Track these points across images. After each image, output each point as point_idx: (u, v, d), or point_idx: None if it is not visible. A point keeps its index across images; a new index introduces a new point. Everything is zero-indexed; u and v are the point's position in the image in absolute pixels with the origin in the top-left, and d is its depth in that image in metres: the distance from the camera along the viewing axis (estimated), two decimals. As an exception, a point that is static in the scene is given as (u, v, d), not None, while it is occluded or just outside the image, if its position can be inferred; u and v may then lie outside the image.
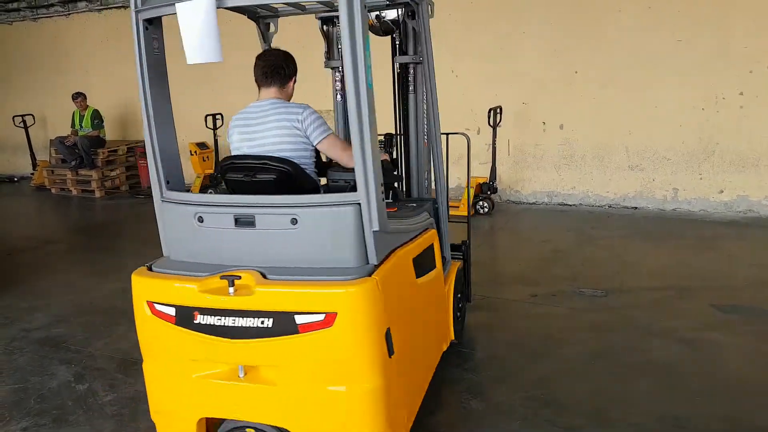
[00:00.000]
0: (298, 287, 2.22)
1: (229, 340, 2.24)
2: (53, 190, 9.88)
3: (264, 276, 2.26)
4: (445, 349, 3.36)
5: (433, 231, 3.16)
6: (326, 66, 3.69)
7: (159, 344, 2.40)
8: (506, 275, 5.10)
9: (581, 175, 7.30)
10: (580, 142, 7.22)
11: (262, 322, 2.20)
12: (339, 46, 3.51)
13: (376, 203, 2.23)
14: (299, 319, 2.17)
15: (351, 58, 2.12)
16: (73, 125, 9.74)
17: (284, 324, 2.19)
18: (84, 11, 10.43)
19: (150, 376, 2.49)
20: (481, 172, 7.33)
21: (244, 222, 2.35)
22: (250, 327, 2.22)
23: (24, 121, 10.53)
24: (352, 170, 2.33)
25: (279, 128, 2.63)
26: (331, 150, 2.75)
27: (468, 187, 4.28)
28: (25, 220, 8.62)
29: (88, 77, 10.61)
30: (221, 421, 2.47)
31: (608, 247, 5.70)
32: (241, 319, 2.22)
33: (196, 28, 2.20)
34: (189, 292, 2.27)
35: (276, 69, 2.73)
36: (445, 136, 3.62)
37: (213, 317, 2.25)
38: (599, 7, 6.81)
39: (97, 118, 9.57)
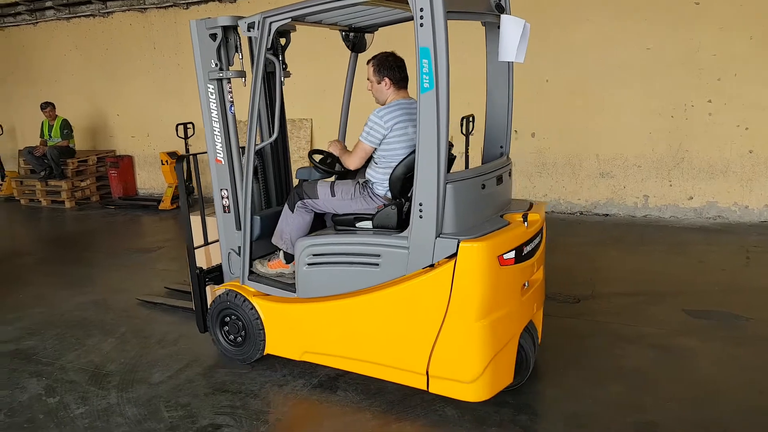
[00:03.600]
0: (538, 213, 3.29)
1: (531, 260, 3.14)
2: (22, 201, 9.69)
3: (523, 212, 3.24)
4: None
5: None
6: (212, 78, 3.47)
7: (504, 288, 2.98)
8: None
9: (553, 183, 7.39)
10: (552, 149, 7.31)
11: (538, 240, 3.27)
12: (240, 57, 3.49)
13: None
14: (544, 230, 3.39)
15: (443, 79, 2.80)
16: (42, 135, 9.57)
17: (540, 237, 3.31)
18: (52, 19, 10.26)
19: (493, 323, 2.91)
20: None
21: (500, 180, 3.26)
22: (535, 246, 3.21)
23: (-9, 131, 10.34)
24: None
25: None
26: None
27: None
28: (-7, 231, 8.43)
29: (56, 86, 10.44)
30: None
31: (580, 253, 5.77)
32: (534, 240, 3.18)
33: (514, 37, 3.01)
34: (519, 234, 3.03)
35: (406, 73, 3.39)
36: None
37: (528, 246, 3.10)
38: (569, 16, 6.93)
39: (66, 128, 9.42)
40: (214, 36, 3.45)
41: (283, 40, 3.84)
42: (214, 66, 3.49)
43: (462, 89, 7.44)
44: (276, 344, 3.53)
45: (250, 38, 3.51)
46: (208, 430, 3.01)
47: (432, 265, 2.90)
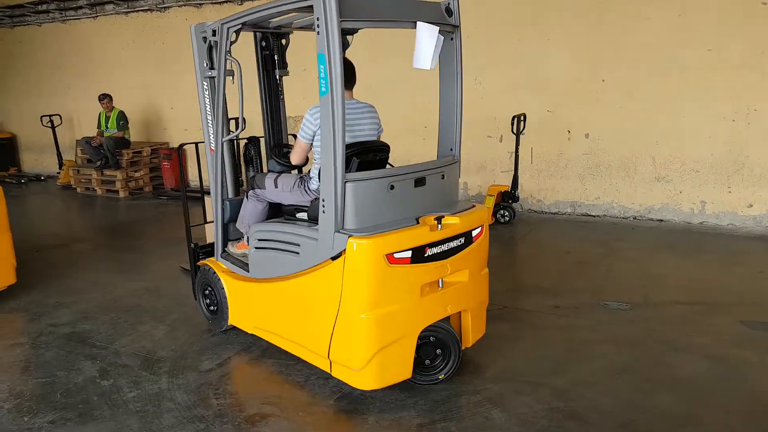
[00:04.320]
0: (464, 216, 3.28)
1: (442, 261, 3.21)
2: (79, 190, 10.02)
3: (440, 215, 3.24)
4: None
5: None
6: (205, 76, 3.91)
7: (393, 285, 3.07)
8: (527, 286, 5.04)
9: (606, 186, 7.22)
10: (606, 151, 7.14)
11: (459, 242, 3.29)
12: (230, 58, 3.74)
13: None
14: (473, 233, 3.38)
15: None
16: (99, 126, 9.88)
17: (466, 240, 3.33)
18: (111, 14, 10.56)
19: (379, 317, 3.05)
20: (502, 181, 7.29)
21: (420, 182, 3.28)
22: (454, 247, 3.26)
23: (51, 121, 10.72)
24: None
25: (372, 123, 3.56)
26: None
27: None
28: (52, 218, 8.74)
29: (114, 79, 10.74)
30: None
31: (633, 259, 5.63)
32: (449, 243, 3.23)
33: (424, 44, 3.13)
34: (420, 235, 3.11)
35: (354, 75, 3.47)
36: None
37: (436, 248, 3.17)
38: (627, 15, 6.75)
39: (122, 119, 9.69)
40: (205, 38, 3.82)
41: (283, 41, 4.25)
42: (206, 65, 3.88)
43: (516, 90, 7.38)
44: (235, 316, 3.94)
45: (255, 39, 4.10)
46: (256, 419, 3.05)
47: (335, 258, 3.08)
